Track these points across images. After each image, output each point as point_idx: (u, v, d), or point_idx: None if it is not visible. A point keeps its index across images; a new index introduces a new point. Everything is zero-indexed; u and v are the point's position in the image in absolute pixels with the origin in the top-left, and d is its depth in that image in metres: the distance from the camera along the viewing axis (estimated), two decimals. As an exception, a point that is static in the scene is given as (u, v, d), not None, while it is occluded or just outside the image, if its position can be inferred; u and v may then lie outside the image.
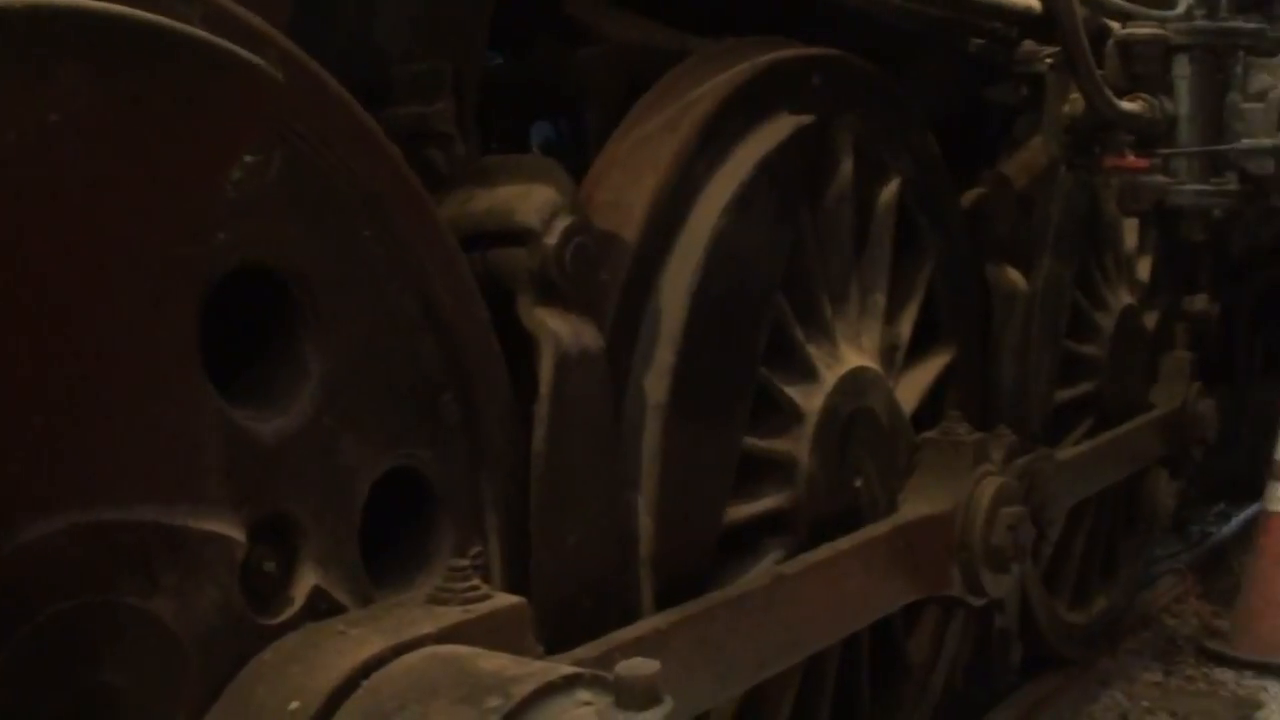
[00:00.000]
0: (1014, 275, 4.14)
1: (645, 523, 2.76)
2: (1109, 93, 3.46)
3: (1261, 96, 3.60)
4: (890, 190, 3.65)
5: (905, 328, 3.73)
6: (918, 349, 3.89)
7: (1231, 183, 3.65)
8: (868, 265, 3.58)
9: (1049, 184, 4.17)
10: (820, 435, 3.24)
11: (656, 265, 2.82)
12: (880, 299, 3.59)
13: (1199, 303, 5.95)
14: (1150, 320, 5.38)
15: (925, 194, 3.82)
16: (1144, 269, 5.30)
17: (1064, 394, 4.68)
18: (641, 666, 1.75)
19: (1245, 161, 3.59)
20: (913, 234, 3.84)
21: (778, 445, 3.19)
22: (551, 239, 2.48)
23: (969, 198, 4.06)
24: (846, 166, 3.43)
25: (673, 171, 2.85)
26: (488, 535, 2.46)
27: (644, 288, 2.79)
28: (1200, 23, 3.66)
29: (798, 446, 3.21)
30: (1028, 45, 3.70)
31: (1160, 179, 3.65)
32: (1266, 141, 3.56)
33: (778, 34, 3.36)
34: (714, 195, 2.92)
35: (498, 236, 2.54)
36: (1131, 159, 3.57)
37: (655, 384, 2.77)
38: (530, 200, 2.53)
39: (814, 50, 3.32)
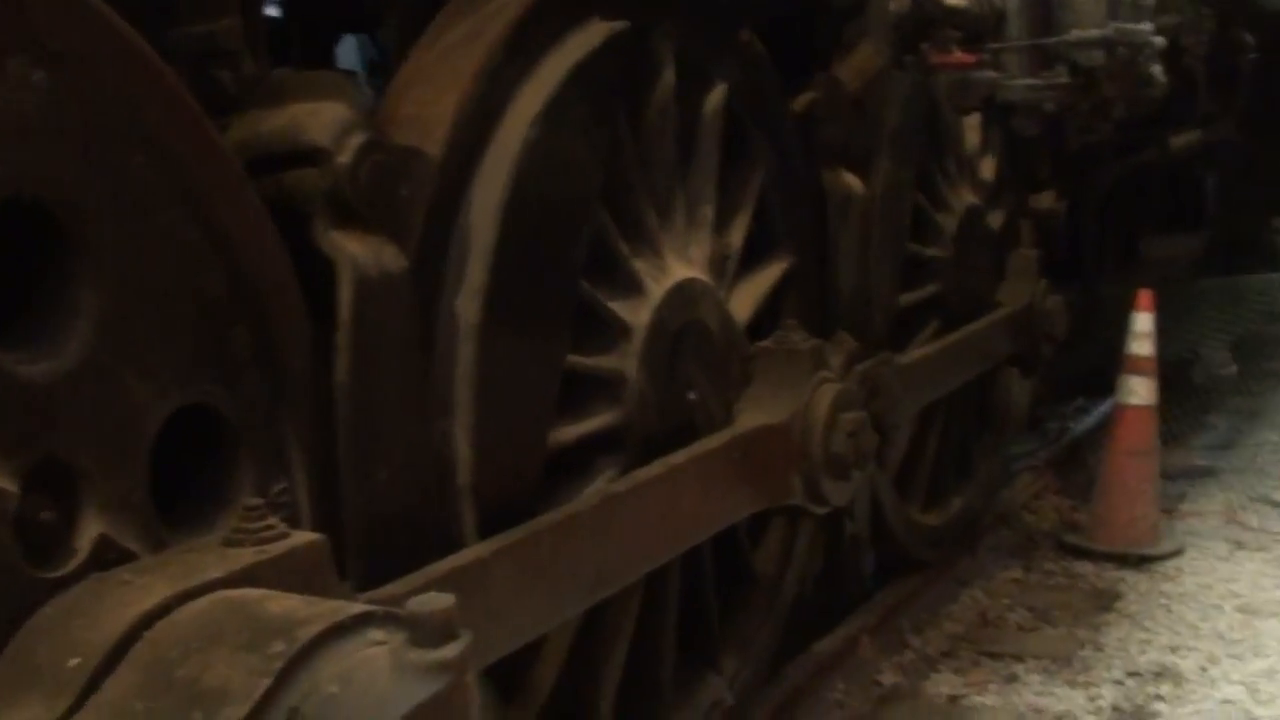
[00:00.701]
0: (850, 179, 4.12)
1: (463, 450, 2.70)
2: None
3: None
4: (716, 98, 3.60)
5: (736, 237, 3.70)
6: (753, 258, 3.86)
7: (1062, 75, 3.64)
8: (695, 175, 3.53)
9: (883, 86, 4.15)
10: (649, 350, 3.20)
11: (464, 181, 2.75)
12: (709, 209, 3.54)
13: (1045, 200, 5.99)
14: (995, 219, 5.41)
15: (753, 100, 3.77)
16: (987, 168, 5.31)
17: (908, 297, 4.69)
18: (435, 601, 1.70)
19: (1075, 54, 3.58)
20: (742, 141, 3.80)
21: (604, 362, 3.15)
22: (345, 157, 2.40)
23: (800, 102, 4.03)
24: (668, 74, 3.37)
25: (478, 82, 2.77)
26: (293, 472, 2.39)
27: (451, 205, 2.72)
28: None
29: (625, 362, 3.16)
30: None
31: (990, 74, 3.64)
32: (1095, 32, 3.55)
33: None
34: (523, 106, 2.84)
35: (290, 157, 2.45)
36: (958, 55, 3.54)
37: (467, 305, 2.70)
38: (321, 117, 2.45)
39: (628, -47, 3.24)
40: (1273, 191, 9.49)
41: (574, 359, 3.05)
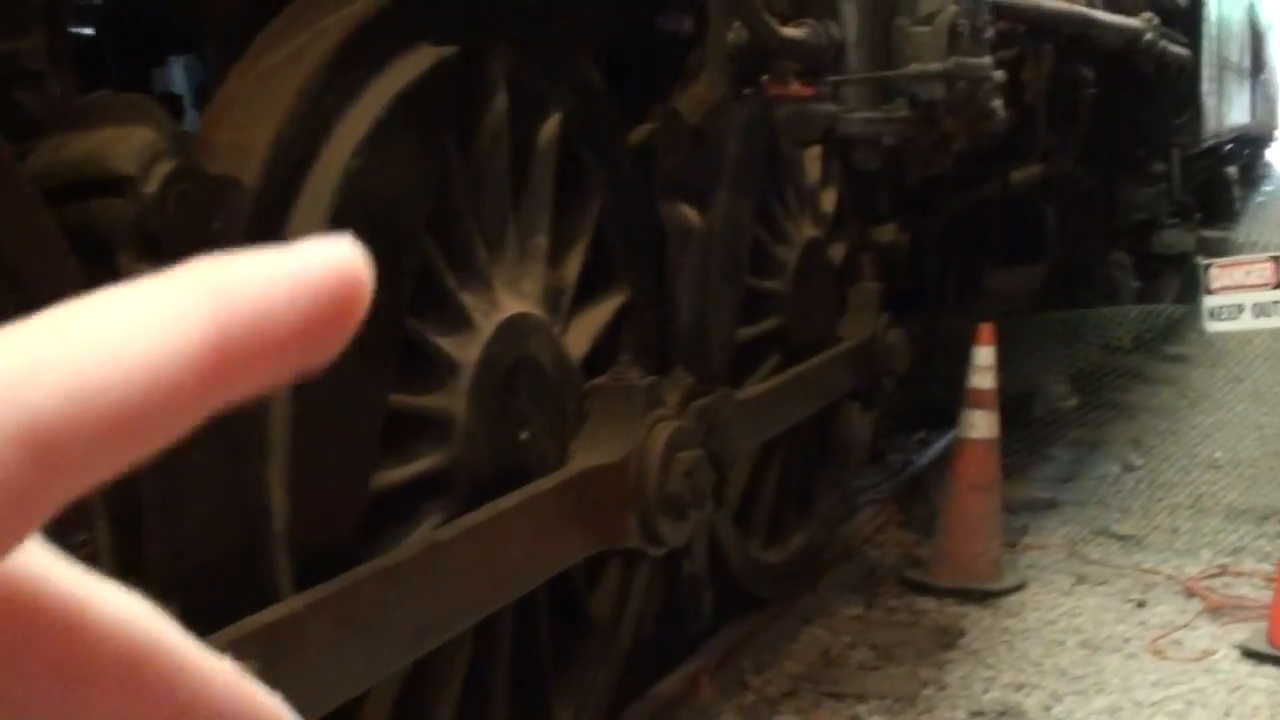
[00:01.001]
0: (688, 212, 4.07)
1: (278, 496, 2.59)
2: (770, 19, 3.38)
3: (930, 20, 3.58)
4: (551, 126, 3.53)
5: (572, 270, 3.62)
6: (589, 292, 3.79)
7: (902, 109, 3.63)
8: (528, 206, 3.45)
9: (724, 117, 4.11)
10: (478, 388, 3.11)
11: (282, 211, 2.63)
12: (543, 241, 3.46)
13: (887, 233, 6.01)
14: (837, 252, 5.40)
15: (590, 130, 3.70)
16: (828, 201, 5.31)
17: (747, 331, 4.65)
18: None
19: (915, 87, 3.57)
20: (578, 172, 3.73)
21: (430, 401, 3.05)
22: (151, 186, 2.28)
23: (639, 133, 3.97)
24: (500, 101, 3.29)
25: (298, 107, 2.66)
26: (94, 520, 2.26)
27: (268, 236, 2.60)
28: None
29: (453, 401, 3.07)
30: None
31: (828, 107, 3.61)
32: (935, 66, 3.54)
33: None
34: (345, 133, 2.74)
35: (94, 185, 2.33)
36: (796, 87, 3.51)
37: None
38: (127, 144, 2.32)
39: (459, -25, 3.16)
40: (1110, 225, 9.70)
41: (398, 398, 2.94)
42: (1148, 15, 7.98)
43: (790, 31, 3.49)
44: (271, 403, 2.56)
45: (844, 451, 5.65)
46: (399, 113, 2.84)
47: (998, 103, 3.97)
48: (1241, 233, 19.58)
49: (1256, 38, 24.74)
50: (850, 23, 3.62)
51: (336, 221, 2.67)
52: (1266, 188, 32.07)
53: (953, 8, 3.57)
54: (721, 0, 3.32)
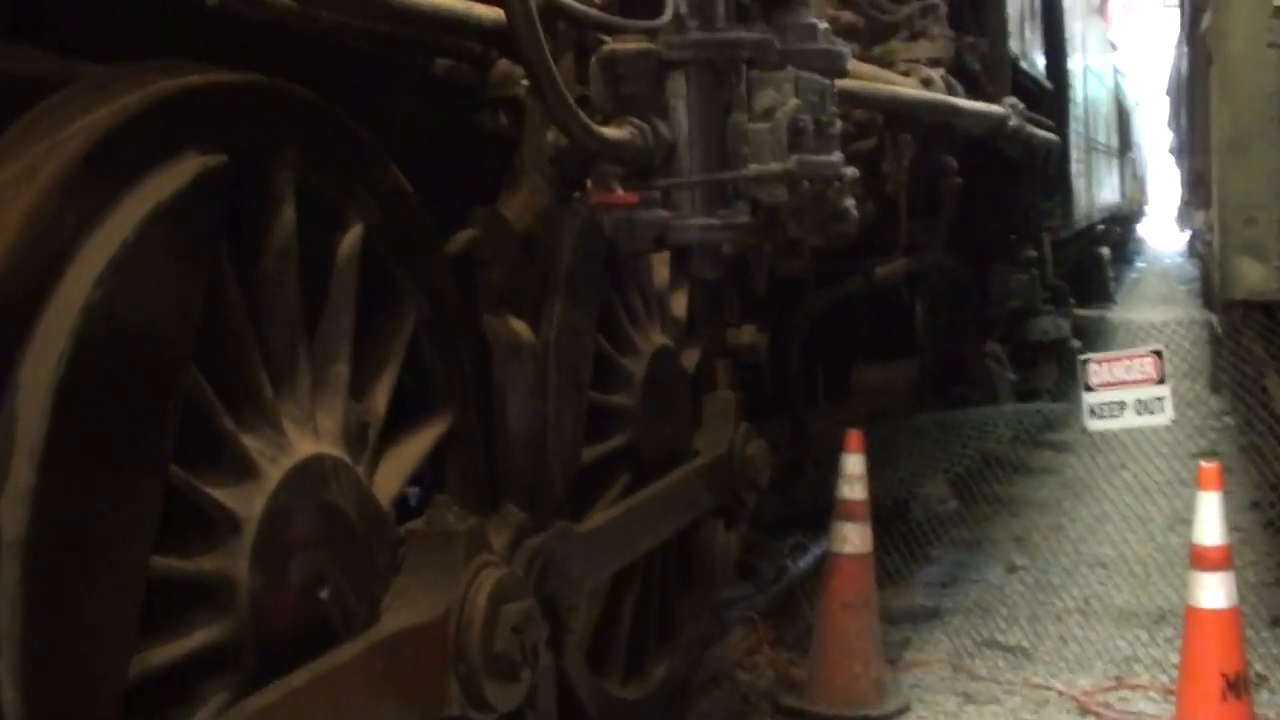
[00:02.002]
0: (517, 326, 3.75)
1: (9, 696, 2.21)
2: (585, 119, 3.08)
3: (769, 115, 3.30)
4: (351, 240, 3.20)
5: (380, 399, 3.28)
6: (403, 422, 3.45)
7: (742, 214, 3.34)
8: (325, 331, 3.12)
9: (553, 222, 3.81)
10: (263, 544, 2.75)
11: (11, 353, 2.27)
12: (343, 370, 3.12)
13: (745, 335, 5.75)
14: (690, 359, 5.11)
15: (399, 241, 3.38)
16: (679, 304, 5.02)
17: (592, 451, 4.33)
18: None
19: (755, 190, 3.28)
20: (388, 288, 3.41)
21: (205, 564, 2.68)
22: None
23: (459, 241, 3.65)
24: (287, 215, 2.96)
25: (27, 233, 2.30)
26: None
27: (-10, 385, 2.24)
28: (696, 34, 3.34)
29: (233, 563, 2.70)
30: (503, 66, 3.30)
31: (660, 213, 3.31)
32: (776, 166, 3.25)
33: (195, 58, 2.85)
34: (88, 260, 2.39)
35: None
36: (619, 194, 3.22)
37: (10, 515, 2.22)
38: None
39: (232, 76, 2.82)
40: (983, 315, 9.55)
41: (164, 563, 2.57)
42: (1011, 100, 7.86)
43: (610, 132, 3.19)
44: (-3, 585, 2.19)
45: (708, 571, 5.32)
46: (153, 233, 2.49)
47: (849, 202, 3.71)
48: (1118, 311, 19.81)
49: (1123, 116, 25.27)
50: (682, 121, 3.33)
51: (73, 367, 2.31)
52: (1140, 264, 32.68)
53: (793, 101, 3.30)
54: (536, 99, 3.02)
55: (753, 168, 3.25)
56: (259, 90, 2.91)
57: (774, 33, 3.60)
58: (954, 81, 6.72)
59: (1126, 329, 16.82)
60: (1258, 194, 5.93)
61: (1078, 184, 13.06)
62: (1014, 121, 7.61)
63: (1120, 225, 26.74)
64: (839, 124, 3.66)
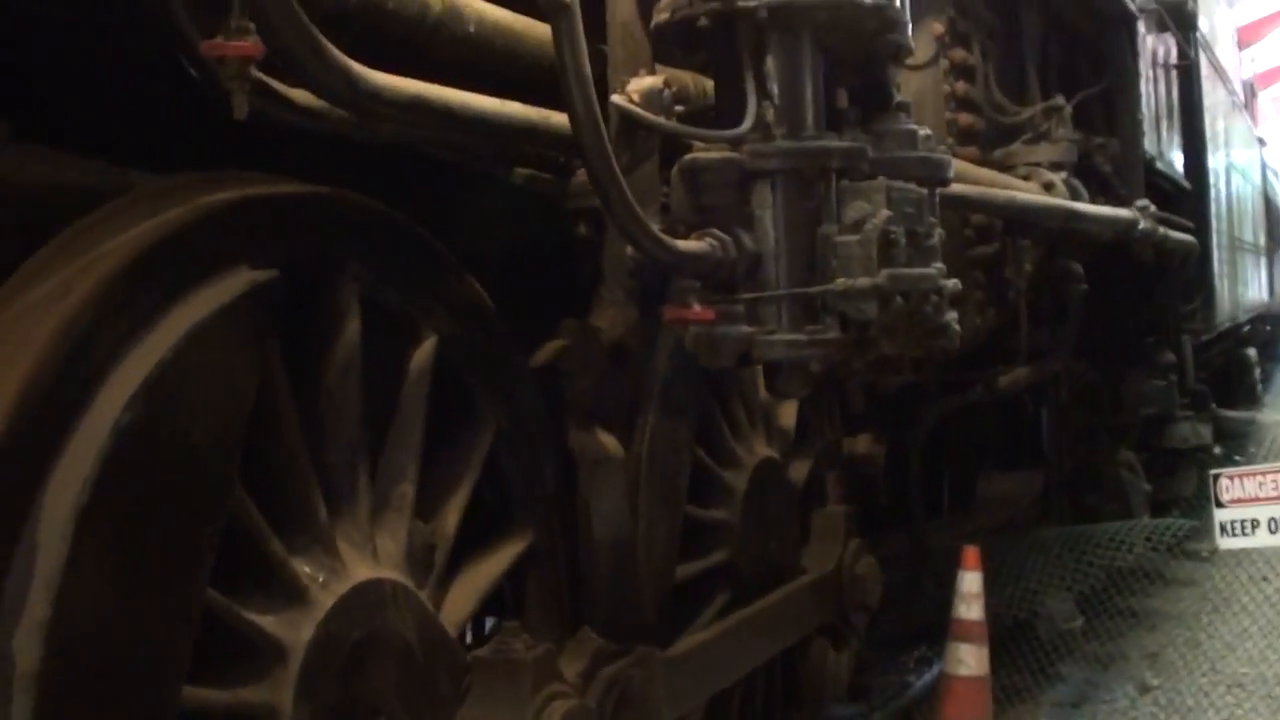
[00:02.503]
0: (604, 439, 3.58)
1: None
2: (655, 231, 2.92)
3: (858, 227, 3.12)
4: (424, 353, 3.07)
5: (450, 519, 3.13)
6: (479, 541, 3.30)
7: (831, 330, 3.15)
8: (392, 450, 2.97)
9: (649, 331, 3.65)
10: (311, 674, 2.59)
11: (33, 481, 2.15)
12: (408, 489, 2.98)
13: (862, 444, 5.53)
14: (799, 471, 4.90)
15: (474, 353, 3.24)
16: (787, 414, 4.82)
17: (687, 569, 4.13)
18: None
19: (843, 305, 3.09)
20: (465, 402, 3.26)
21: (249, 695, 2.53)
22: None
23: (545, 353, 3.50)
24: (351, 329, 2.83)
25: (54, 353, 2.19)
26: None
27: (12, 514, 2.12)
28: (782, 143, 3.17)
29: (278, 694, 2.55)
30: (582, 175, 3.17)
31: (743, 329, 3.13)
32: (865, 281, 3.06)
33: (261, 168, 2.74)
34: (123, 380, 2.27)
35: None
36: (695, 310, 3.04)
37: (25, 648, 2.08)
38: None
39: (292, 187, 2.71)
40: (1116, 422, 9.19)
41: (201, 694, 2.43)
42: (1141, 203, 7.56)
43: (686, 245, 3.02)
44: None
45: (816, 693, 5.07)
46: (193, 351, 2.37)
47: (951, 316, 3.49)
48: (1267, 413, 19.12)
49: (1273, 213, 24.58)
50: (767, 232, 3.15)
51: (101, 489, 2.18)
52: (1290, 362, 31.68)
53: (884, 213, 3.11)
54: (614, 211, 2.87)
55: (840, 282, 3.06)
56: (320, 202, 2.79)
57: (868, 140, 3.42)
58: (1077, 185, 6.48)
59: (1275, 431, 16.24)
60: None
61: (1220, 284, 12.61)
62: (1144, 225, 7.30)
63: (1270, 324, 25.94)
64: (938, 234, 3.45)
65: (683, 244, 3.00)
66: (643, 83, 3.07)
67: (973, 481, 7.51)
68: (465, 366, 3.24)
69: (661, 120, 3.05)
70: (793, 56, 3.21)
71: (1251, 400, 19.65)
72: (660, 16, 3.28)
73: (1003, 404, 7.19)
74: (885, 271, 3.08)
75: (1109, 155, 7.56)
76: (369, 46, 2.72)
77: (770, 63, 3.20)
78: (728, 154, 3.15)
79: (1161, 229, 7.90)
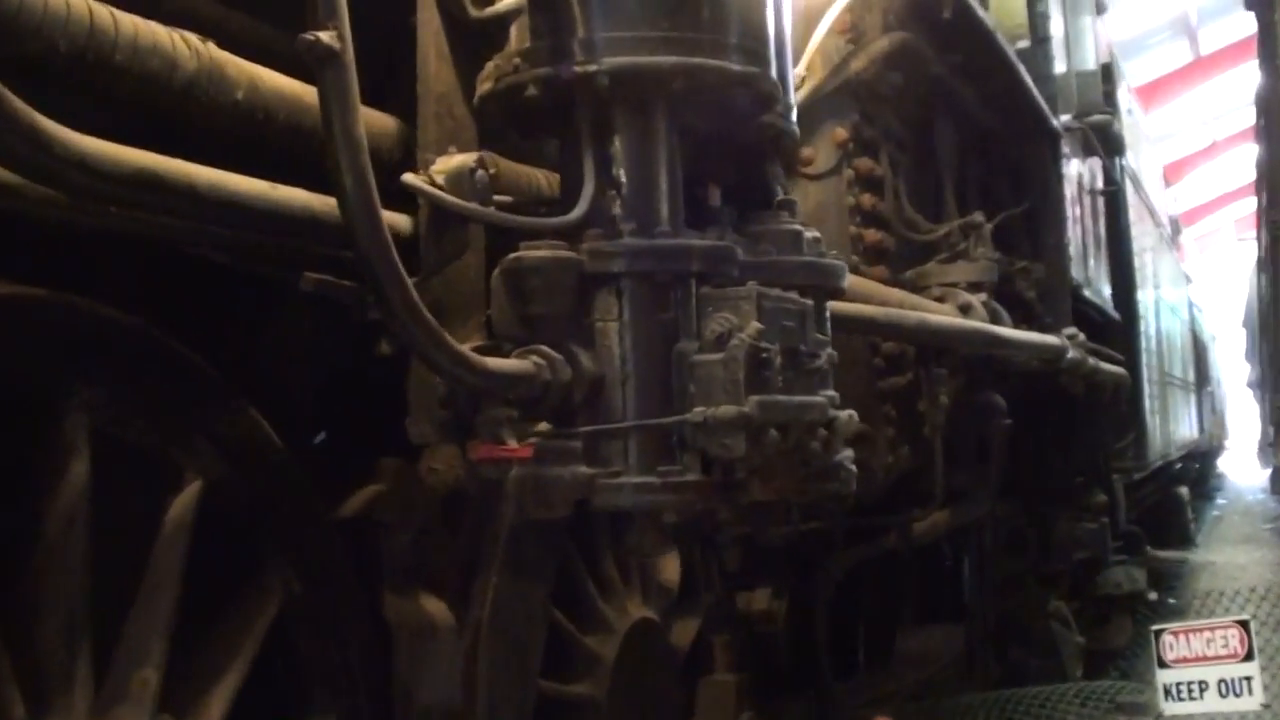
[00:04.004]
0: (431, 606, 2.99)
1: None
2: (454, 345, 2.33)
3: (721, 344, 2.56)
4: (184, 502, 2.48)
5: (213, 712, 2.52)
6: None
7: (690, 470, 2.59)
8: (132, 624, 2.38)
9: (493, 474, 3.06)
10: None
11: None
12: (151, 675, 2.37)
13: (759, 601, 4.94)
14: (683, 634, 4.30)
15: (255, 501, 2.65)
16: (669, 567, 4.24)
17: (540, 756, 3.51)
18: None
19: (704, 439, 2.53)
20: (243, 564, 2.67)
21: None
22: None
23: (357, 501, 2.91)
24: (78, 472, 2.24)
25: None
26: None
27: None
28: (630, 240, 2.62)
29: None
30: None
31: (580, 470, 2.55)
32: (729, 409, 2.50)
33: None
34: None
35: None
36: (509, 447, 2.47)
37: None
38: None
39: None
40: (1045, 569, 8.68)
41: None
42: (1070, 331, 7.09)
43: (501, 365, 2.44)
44: None
45: None
46: None
47: (845, 454, 2.94)
48: (1200, 553, 18.76)
49: (1200, 349, 24.51)
50: (612, 350, 2.59)
51: None
52: (1221, 500, 31.47)
53: (753, 325, 2.55)
54: (394, 316, 2.29)
55: (697, 411, 2.49)
56: (34, 307, 2.21)
57: (742, 241, 2.88)
58: (999, 308, 5.97)
59: (1210, 573, 15.86)
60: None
61: (1152, 420, 12.27)
62: (1073, 354, 6.81)
63: (1200, 462, 25.86)
64: (827, 355, 2.91)
65: (493, 363, 2.42)
66: (450, 161, 2.52)
67: (888, 637, 6.92)
68: (242, 518, 2.64)
69: (458, 201, 2.48)
70: (644, 135, 2.67)
71: (1184, 540, 19.32)
72: (484, 86, 2.75)
73: (920, 551, 6.62)
74: (755, 398, 2.51)
75: (1033, 280, 7.09)
76: (97, 111, 2.17)
77: (617, 143, 2.67)
78: (562, 253, 2.59)
79: (1091, 359, 7.44)
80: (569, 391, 2.54)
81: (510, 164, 2.98)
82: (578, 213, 2.58)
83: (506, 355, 2.54)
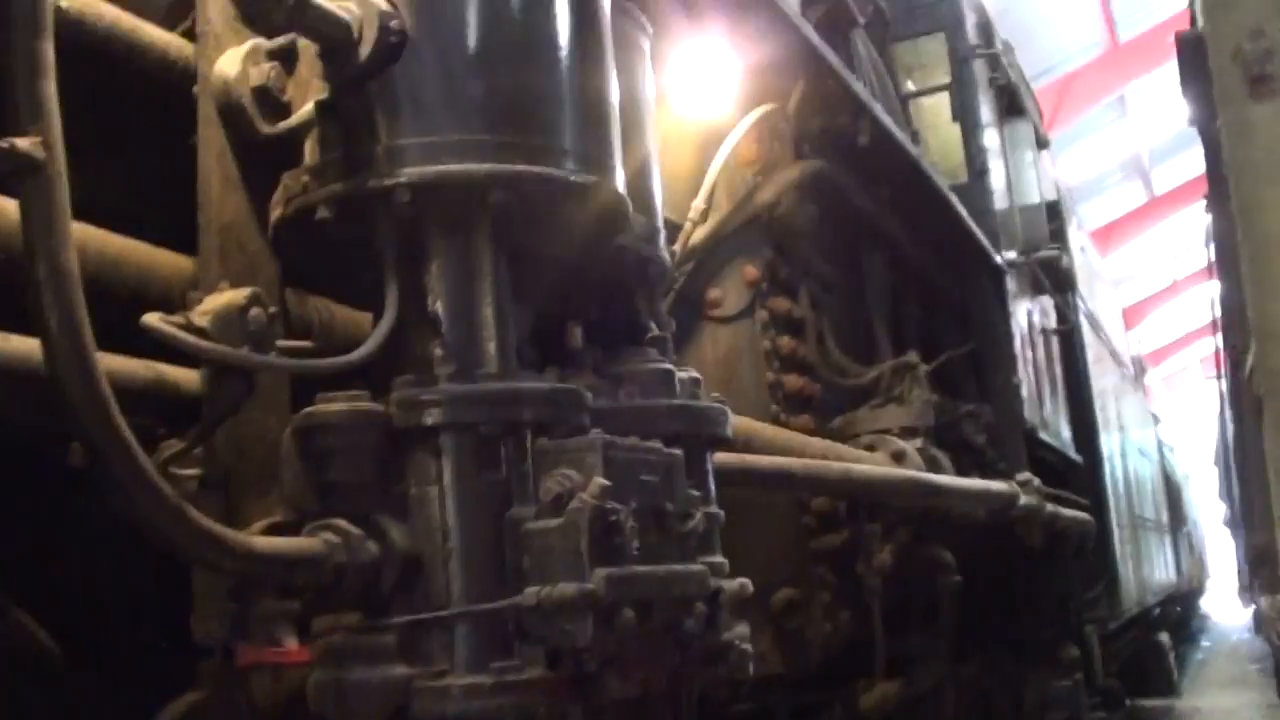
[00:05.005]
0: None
1: None
2: (202, 519, 1.86)
3: (559, 508, 2.10)
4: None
5: None
6: None
7: (532, 665, 2.11)
8: None
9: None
10: None
11: None
12: None
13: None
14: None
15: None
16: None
17: None
18: None
19: (543, 626, 2.07)
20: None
21: None
22: None
23: (171, 711, 2.42)
24: None
25: None
26: None
27: None
28: (448, 385, 2.18)
29: None
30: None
31: (396, 671, 2.07)
32: (568, 588, 2.04)
33: None
34: None
35: None
36: (291, 647, 1.99)
37: None
38: None
39: None
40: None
41: None
42: (1024, 476, 6.63)
43: (277, 545, 1.97)
44: None
45: None
46: None
47: (738, 630, 2.48)
48: (1186, 699, 18.18)
49: (1173, 490, 24.10)
50: (431, 521, 2.12)
51: None
52: (1205, 643, 30.86)
53: (598, 482, 2.09)
54: (114, 485, 1.84)
55: (529, 592, 2.04)
56: None
57: (604, 385, 2.45)
58: (938, 455, 5.49)
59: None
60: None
61: (1124, 567, 11.82)
62: (1026, 501, 6.34)
63: (1180, 604, 25.36)
64: (709, 515, 2.45)
65: (263, 543, 1.96)
66: (218, 299, 2.07)
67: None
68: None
69: (198, 342, 2.02)
70: (462, 260, 2.23)
71: (1167, 688, 18.74)
72: (275, 213, 2.31)
73: (879, 721, 6.09)
74: (602, 572, 2.05)
75: (981, 424, 6.66)
76: None
77: (433, 270, 2.23)
78: (364, 405, 2.14)
79: (1050, 506, 6.98)
80: (376, 574, 2.08)
81: (326, 304, 2.55)
82: (364, 351, 2.13)
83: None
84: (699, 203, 4.26)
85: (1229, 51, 4.55)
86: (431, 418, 2.15)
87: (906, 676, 5.53)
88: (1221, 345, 10.16)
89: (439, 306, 2.21)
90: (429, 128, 2.19)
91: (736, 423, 3.87)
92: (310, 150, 2.28)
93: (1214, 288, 9.84)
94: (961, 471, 6.05)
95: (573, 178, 2.28)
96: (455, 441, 2.15)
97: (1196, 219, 29.71)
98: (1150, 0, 24.16)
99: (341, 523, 2.05)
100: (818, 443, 4.52)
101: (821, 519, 4.69)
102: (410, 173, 2.16)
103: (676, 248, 4.19)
